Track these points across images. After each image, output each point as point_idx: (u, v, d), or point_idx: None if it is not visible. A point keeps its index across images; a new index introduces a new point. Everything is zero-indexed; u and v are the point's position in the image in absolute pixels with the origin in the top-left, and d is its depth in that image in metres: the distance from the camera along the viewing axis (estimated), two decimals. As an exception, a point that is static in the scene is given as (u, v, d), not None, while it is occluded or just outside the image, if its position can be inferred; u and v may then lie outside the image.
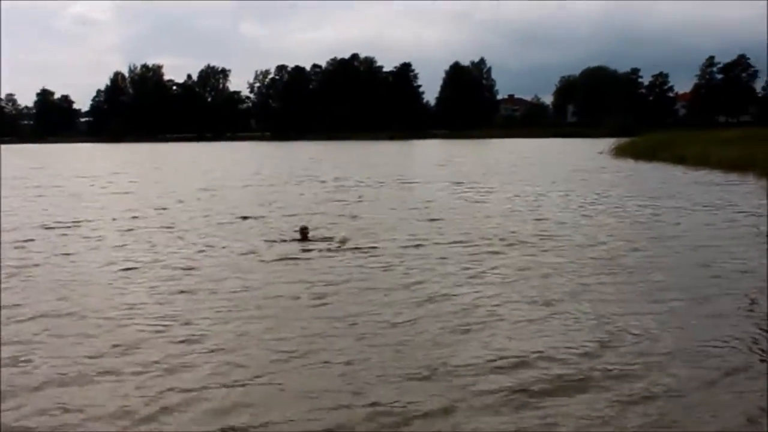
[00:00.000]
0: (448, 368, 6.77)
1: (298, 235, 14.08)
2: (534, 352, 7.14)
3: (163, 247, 13.51)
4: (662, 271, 10.94)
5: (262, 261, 12.16)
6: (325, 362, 6.94)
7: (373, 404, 5.91)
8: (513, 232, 14.91)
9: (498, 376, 6.55)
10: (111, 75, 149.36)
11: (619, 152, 48.48)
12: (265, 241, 14.07)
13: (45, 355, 7.22)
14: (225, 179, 32.67)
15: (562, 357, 7.04)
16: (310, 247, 13.29)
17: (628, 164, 39.89)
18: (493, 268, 11.25)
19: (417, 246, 13.35)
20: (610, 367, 6.73)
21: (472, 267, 11.39)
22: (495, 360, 6.94)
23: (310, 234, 14.17)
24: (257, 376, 6.58)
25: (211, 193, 25.38)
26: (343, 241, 13.84)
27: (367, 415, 5.74)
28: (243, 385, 6.38)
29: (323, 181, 30.29)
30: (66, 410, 5.86)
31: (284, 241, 13.96)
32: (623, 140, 52.72)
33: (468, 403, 5.94)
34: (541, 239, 14.06)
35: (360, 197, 23.20)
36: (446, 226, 16.18)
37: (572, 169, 36.57)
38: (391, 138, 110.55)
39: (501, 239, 14.04)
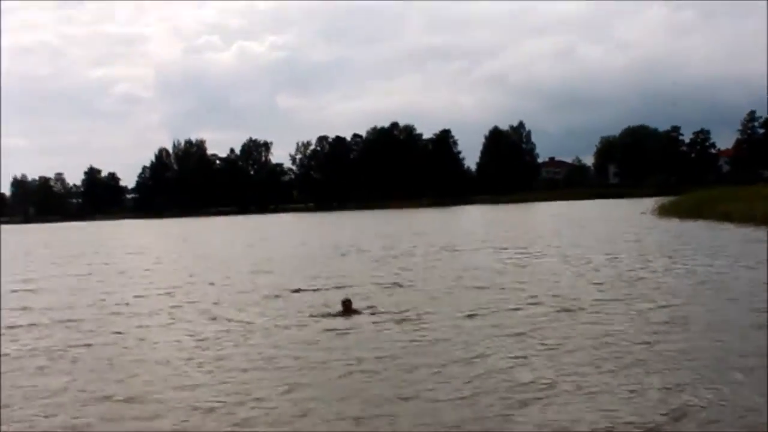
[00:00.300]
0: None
1: (340, 308, 13.91)
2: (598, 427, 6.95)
3: (205, 324, 13.60)
4: (730, 332, 10.61)
5: (307, 335, 12.06)
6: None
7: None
8: (566, 297, 14.74)
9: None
10: (156, 151, 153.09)
11: (663, 212, 47.97)
12: (310, 316, 13.83)
13: None
14: (270, 252, 32.98)
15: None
16: (355, 319, 13.20)
17: (674, 224, 39.43)
18: (548, 336, 11.06)
19: (468, 316, 13.12)
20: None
21: (528, 335, 11.22)
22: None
23: (354, 306, 13.97)
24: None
25: (257, 266, 25.46)
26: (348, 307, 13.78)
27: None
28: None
29: (368, 251, 30.36)
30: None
31: (329, 314, 13.76)
32: (666, 199, 52.14)
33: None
34: (597, 303, 13.88)
35: (405, 266, 23.12)
36: (497, 293, 16.03)
37: (619, 230, 36.26)
38: (433, 204, 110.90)
39: (555, 304, 13.87)
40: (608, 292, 15.28)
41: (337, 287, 17.97)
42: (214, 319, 14.16)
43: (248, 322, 13.51)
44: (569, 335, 11.13)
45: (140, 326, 13.73)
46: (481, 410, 7.61)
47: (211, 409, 7.97)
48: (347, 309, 13.80)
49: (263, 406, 8.03)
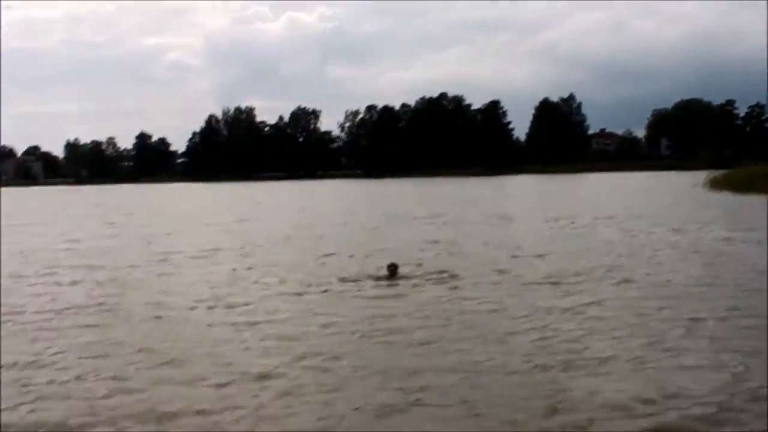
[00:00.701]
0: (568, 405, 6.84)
1: (386, 272, 13.90)
2: (646, 399, 6.92)
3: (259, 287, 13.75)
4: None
5: (355, 298, 12.20)
6: (442, 405, 6.91)
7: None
8: (620, 267, 14.91)
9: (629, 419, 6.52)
10: (206, 117, 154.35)
11: (715, 185, 47.19)
12: (355, 280, 13.78)
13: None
14: (322, 217, 33.51)
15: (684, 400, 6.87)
16: (400, 283, 13.28)
17: (726, 197, 38.94)
18: (602, 304, 11.24)
19: (521, 283, 13.20)
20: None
21: (582, 302, 11.39)
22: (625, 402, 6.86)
23: (400, 271, 13.95)
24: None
25: (309, 231, 25.75)
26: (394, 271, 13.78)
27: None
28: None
29: (419, 218, 30.60)
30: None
31: (376, 278, 13.83)
32: (719, 173, 51.17)
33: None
34: (649, 275, 13.98)
35: (456, 234, 23.25)
36: (551, 261, 16.20)
37: (670, 202, 36.00)
38: (482, 174, 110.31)
39: (609, 275, 14.02)
40: (659, 265, 15.35)
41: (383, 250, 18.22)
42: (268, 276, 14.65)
43: (300, 284, 13.66)
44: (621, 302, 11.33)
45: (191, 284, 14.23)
46: (533, 381, 7.59)
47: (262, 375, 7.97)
48: (392, 273, 13.80)
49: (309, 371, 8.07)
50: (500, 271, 14.67)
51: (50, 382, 7.76)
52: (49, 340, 9.58)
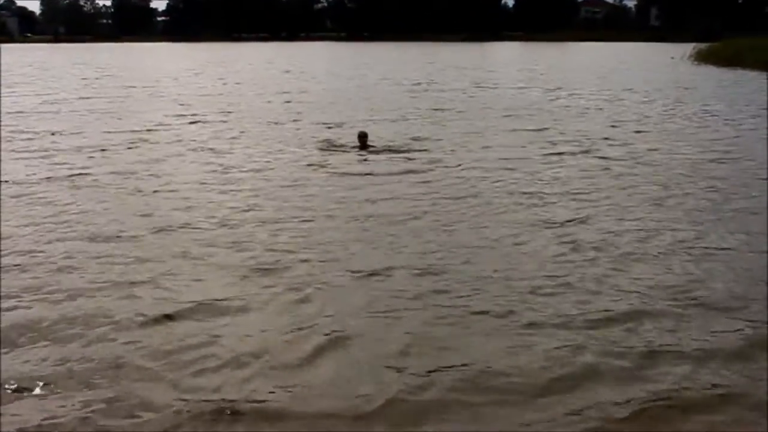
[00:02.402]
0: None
1: (357, 142, 13.45)
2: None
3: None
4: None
5: (325, 173, 11.63)
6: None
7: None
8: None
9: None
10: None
11: (700, 58, 46.70)
12: (323, 149, 13.51)
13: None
14: (310, 81, 33.22)
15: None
16: (369, 156, 12.85)
17: (711, 71, 38.76)
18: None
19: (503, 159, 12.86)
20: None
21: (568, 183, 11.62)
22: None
23: (370, 141, 13.52)
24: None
25: (291, 96, 25.45)
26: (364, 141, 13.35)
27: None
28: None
29: (416, 84, 30.51)
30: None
31: (344, 149, 13.45)
32: (704, 45, 50.44)
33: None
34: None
35: (444, 102, 23.17)
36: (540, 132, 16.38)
37: (657, 76, 35.91)
38: (468, 39, 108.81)
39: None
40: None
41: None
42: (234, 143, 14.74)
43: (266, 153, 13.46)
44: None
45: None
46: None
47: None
48: (363, 144, 13.40)
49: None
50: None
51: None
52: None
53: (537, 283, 6.61)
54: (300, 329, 5.63)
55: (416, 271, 6.94)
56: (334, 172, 11.60)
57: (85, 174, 11.46)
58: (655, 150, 13.79)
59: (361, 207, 9.38)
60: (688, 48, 51.32)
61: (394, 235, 8.10)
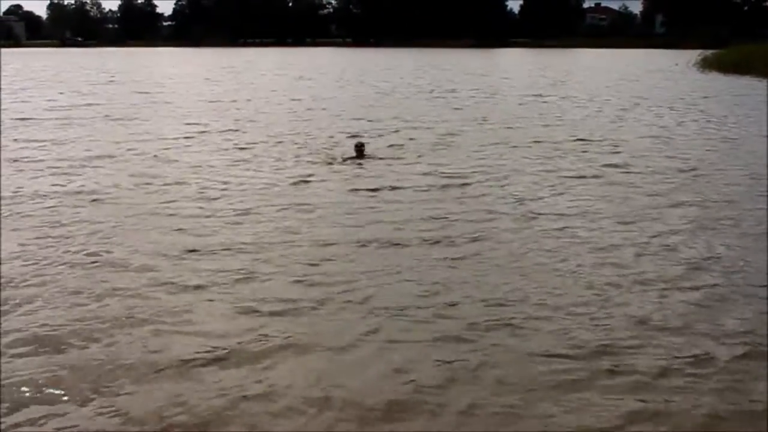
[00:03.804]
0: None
1: (353, 153, 13.08)
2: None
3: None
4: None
5: (323, 182, 11.28)
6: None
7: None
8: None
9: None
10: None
11: (706, 65, 46.43)
12: (324, 161, 12.94)
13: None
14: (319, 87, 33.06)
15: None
16: (366, 164, 12.52)
17: (718, 79, 38.66)
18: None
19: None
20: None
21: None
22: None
23: (367, 151, 13.22)
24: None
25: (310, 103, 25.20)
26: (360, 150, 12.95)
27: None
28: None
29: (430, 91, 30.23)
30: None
31: (343, 160, 12.92)
32: (710, 52, 50.01)
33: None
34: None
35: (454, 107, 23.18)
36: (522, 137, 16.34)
37: (659, 84, 35.82)
38: (474, 46, 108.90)
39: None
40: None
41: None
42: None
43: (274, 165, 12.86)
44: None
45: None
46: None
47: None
48: (360, 153, 13.03)
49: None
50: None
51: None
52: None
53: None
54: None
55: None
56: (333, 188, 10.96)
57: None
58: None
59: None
60: (694, 55, 51.10)
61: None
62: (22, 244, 7.87)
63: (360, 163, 12.65)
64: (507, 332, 5.67)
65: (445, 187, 10.89)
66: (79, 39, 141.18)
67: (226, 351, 5.30)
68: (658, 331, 5.67)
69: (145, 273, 6.96)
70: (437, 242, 8.00)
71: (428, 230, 8.44)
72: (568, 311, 6.05)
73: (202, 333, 5.64)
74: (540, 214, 9.27)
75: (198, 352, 5.28)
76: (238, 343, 5.44)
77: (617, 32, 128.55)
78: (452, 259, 7.46)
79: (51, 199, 10.07)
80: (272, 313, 6.02)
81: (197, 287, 6.62)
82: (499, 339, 5.55)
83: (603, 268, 7.19)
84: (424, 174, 11.88)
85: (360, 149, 13.12)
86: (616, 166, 12.78)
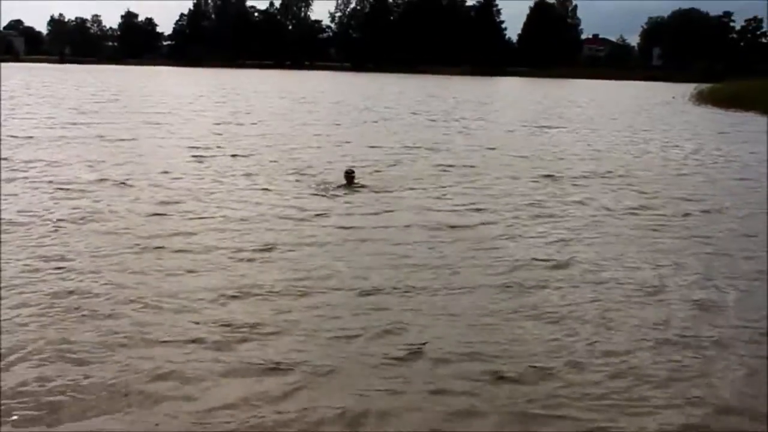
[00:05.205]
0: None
1: (343, 180, 12.69)
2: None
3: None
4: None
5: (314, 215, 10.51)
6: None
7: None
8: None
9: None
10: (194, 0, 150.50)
11: (700, 99, 46.63)
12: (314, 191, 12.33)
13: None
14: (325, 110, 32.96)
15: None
16: (356, 191, 12.23)
17: (711, 112, 38.75)
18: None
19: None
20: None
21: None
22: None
23: (357, 179, 12.83)
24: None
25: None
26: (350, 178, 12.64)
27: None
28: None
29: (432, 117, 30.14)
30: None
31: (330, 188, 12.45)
32: (705, 86, 50.30)
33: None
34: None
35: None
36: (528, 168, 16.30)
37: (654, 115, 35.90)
38: (471, 73, 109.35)
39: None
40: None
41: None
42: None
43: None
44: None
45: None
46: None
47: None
48: (350, 180, 12.70)
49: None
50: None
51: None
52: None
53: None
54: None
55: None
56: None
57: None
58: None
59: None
60: (690, 88, 51.08)
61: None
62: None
63: (346, 193, 12.16)
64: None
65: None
66: (68, 53, 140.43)
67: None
68: None
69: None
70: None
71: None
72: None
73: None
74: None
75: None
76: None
77: (614, 64, 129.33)
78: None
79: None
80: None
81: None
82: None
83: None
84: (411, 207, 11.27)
85: (350, 176, 12.76)
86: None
